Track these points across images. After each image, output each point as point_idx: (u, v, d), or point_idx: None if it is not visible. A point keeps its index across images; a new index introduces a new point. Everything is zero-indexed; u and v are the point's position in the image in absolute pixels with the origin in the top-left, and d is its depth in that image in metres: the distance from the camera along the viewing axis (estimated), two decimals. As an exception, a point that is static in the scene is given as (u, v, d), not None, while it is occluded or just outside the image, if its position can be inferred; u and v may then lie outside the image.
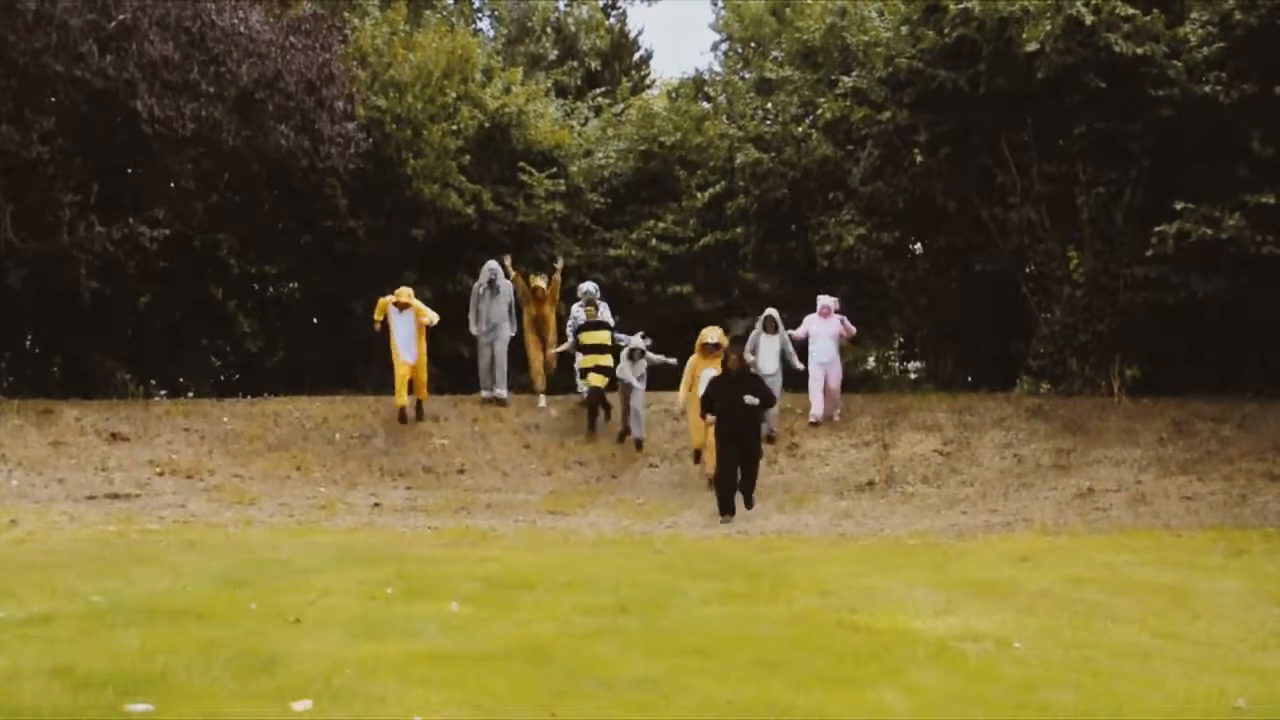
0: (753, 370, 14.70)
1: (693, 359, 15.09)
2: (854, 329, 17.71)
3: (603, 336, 16.81)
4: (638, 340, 16.44)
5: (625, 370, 16.15)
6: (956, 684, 4.81)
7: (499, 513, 13.26)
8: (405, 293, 17.00)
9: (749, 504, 13.11)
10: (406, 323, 16.71)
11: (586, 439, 16.67)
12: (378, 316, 16.88)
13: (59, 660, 4.76)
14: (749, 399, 12.87)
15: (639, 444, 16.21)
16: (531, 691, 4.56)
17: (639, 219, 22.19)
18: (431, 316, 16.79)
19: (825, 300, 17.45)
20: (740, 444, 12.99)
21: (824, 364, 16.96)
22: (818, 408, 16.93)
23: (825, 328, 17.19)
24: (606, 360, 16.54)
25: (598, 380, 16.46)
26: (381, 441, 16.04)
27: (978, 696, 4.59)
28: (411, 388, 16.80)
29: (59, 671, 4.57)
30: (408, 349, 16.65)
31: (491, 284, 17.58)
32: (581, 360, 16.78)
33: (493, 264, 17.83)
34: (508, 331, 17.56)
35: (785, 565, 8.06)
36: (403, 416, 16.57)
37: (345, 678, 4.66)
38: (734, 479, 12.92)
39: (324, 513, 12.75)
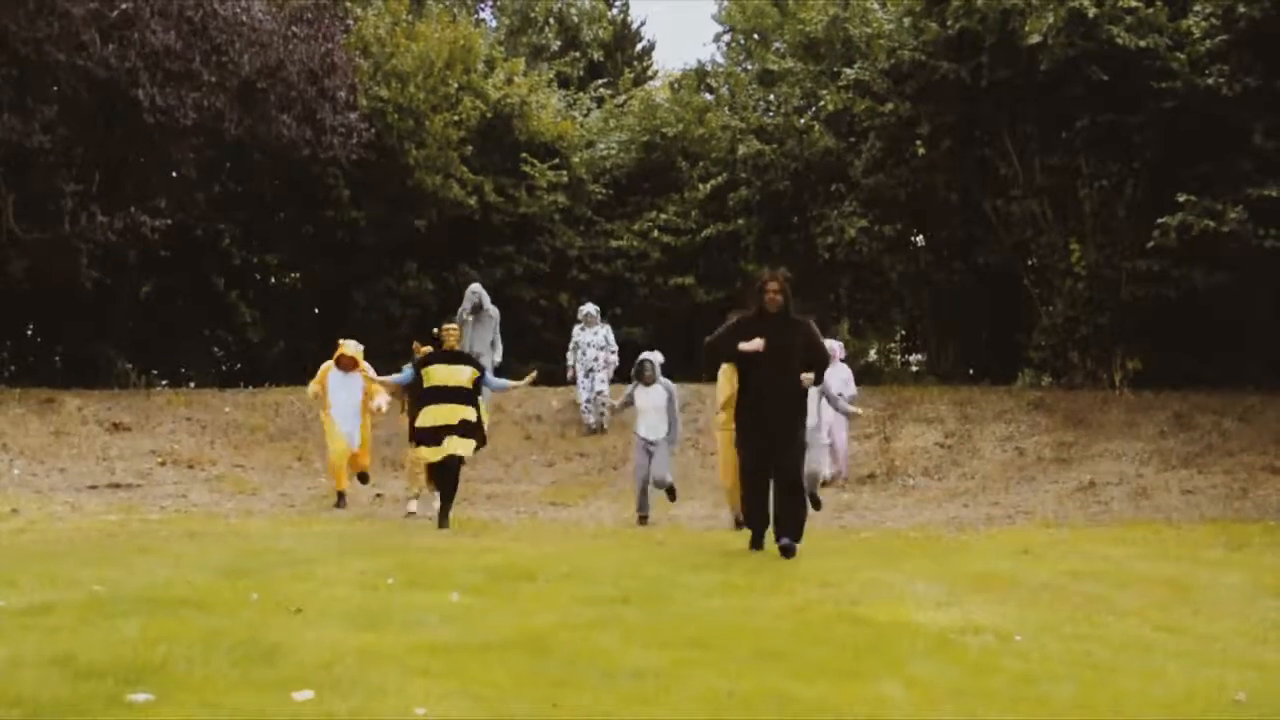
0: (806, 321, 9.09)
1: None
2: (853, 389, 14.95)
3: (459, 376, 10.81)
4: (652, 354, 12.05)
5: (645, 408, 11.76)
6: (957, 676, 4.82)
7: (500, 504, 13.27)
8: (351, 348, 12.72)
9: (788, 550, 8.42)
10: (349, 388, 12.60)
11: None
12: (316, 388, 12.73)
13: (60, 649, 4.76)
14: (806, 378, 8.50)
15: (655, 509, 11.89)
16: (532, 682, 4.56)
17: (641, 210, 22.19)
18: (380, 400, 12.27)
19: (831, 344, 14.15)
20: (775, 442, 8.55)
21: (828, 419, 13.19)
22: (830, 465, 14.30)
23: (830, 376, 13.75)
24: (466, 413, 10.71)
25: (457, 445, 10.65)
26: (382, 432, 16.06)
27: (978, 689, 4.59)
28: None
29: (60, 661, 4.57)
30: (348, 421, 12.57)
31: (476, 310, 16.16)
32: (423, 417, 10.72)
33: (477, 287, 16.57)
34: (492, 362, 15.54)
35: (785, 562, 8.07)
36: (341, 502, 12.55)
37: (346, 668, 4.66)
38: (765, 497, 8.69)
39: (325, 503, 12.75)
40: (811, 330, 8.80)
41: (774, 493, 8.56)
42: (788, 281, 8.66)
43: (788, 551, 8.34)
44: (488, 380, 11.07)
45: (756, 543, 8.78)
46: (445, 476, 10.75)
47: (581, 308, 17.12)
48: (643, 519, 11.69)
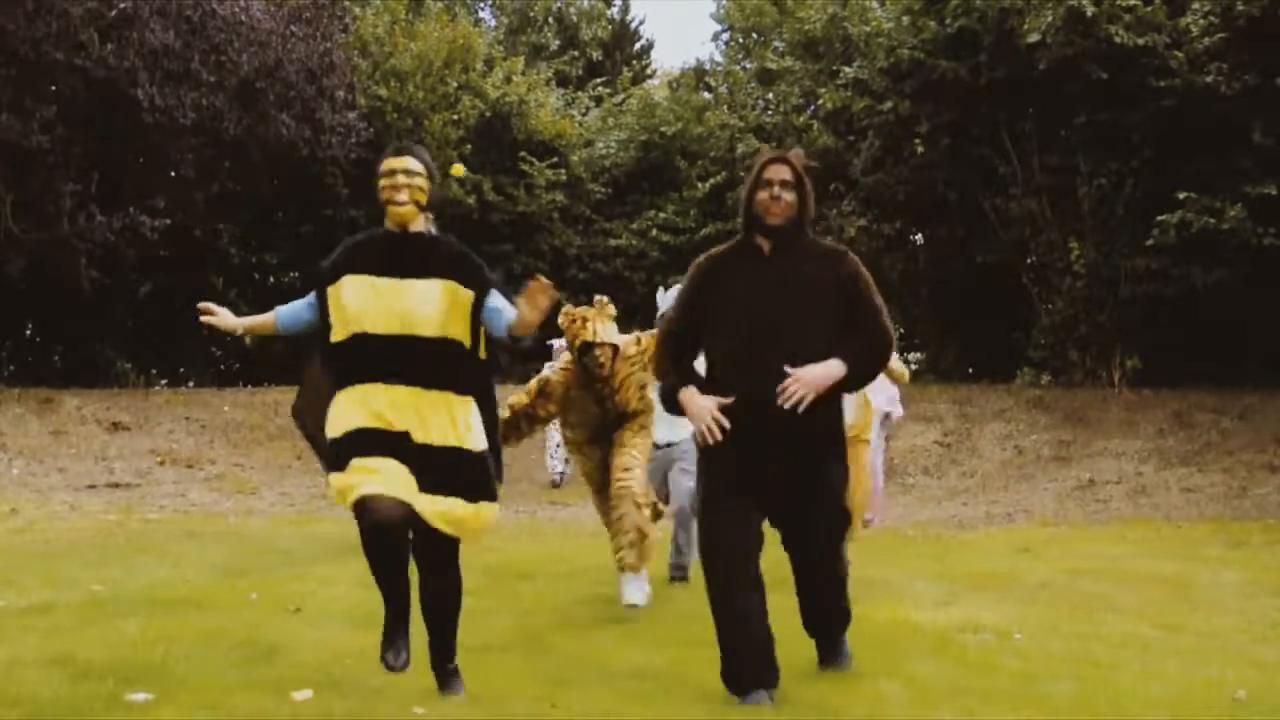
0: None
1: None
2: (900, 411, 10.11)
3: (417, 302, 4.24)
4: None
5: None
6: (957, 675, 4.81)
7: (499, 503, 13.24)
8: None
9: (831, 656, 4.86)
10: None
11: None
12: None
13: (59, 649, 4.76)
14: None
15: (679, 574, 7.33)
16: (531, 682, 4.56)
17: (640, 209, 22.18)
18: None
19: None
20: (778, 489, 4.44)
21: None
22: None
23: (873, 392, 9.19)
24: (441, 407, 4.26)
25: (372, 473, 4.10)
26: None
27: (978, 688, 4.59)
28: None
29: (59, 660, 4.58)
30: None
31: None
32: (336, 416, 4.26)
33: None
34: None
35: (785, 556, 8.08)
36: None
37: (345, 668, 4.66)
38: (750, 596, 4.40)
39: (325, 502, 12.74)
40: (853, 273, 4.48)
41: (795, 582, 4.71)
42: (808, 170, 4.62)
43: (836, 656, 4.86)
44: (493, 316, 4.35)
45: (747, 682, 4.35)
46: (392, 575, 4.41)
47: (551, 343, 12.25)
48: (679, 575, 7.34)
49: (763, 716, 4.22)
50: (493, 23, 30.65)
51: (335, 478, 4.25)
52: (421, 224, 4.38)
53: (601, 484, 6.45)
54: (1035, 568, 8.11)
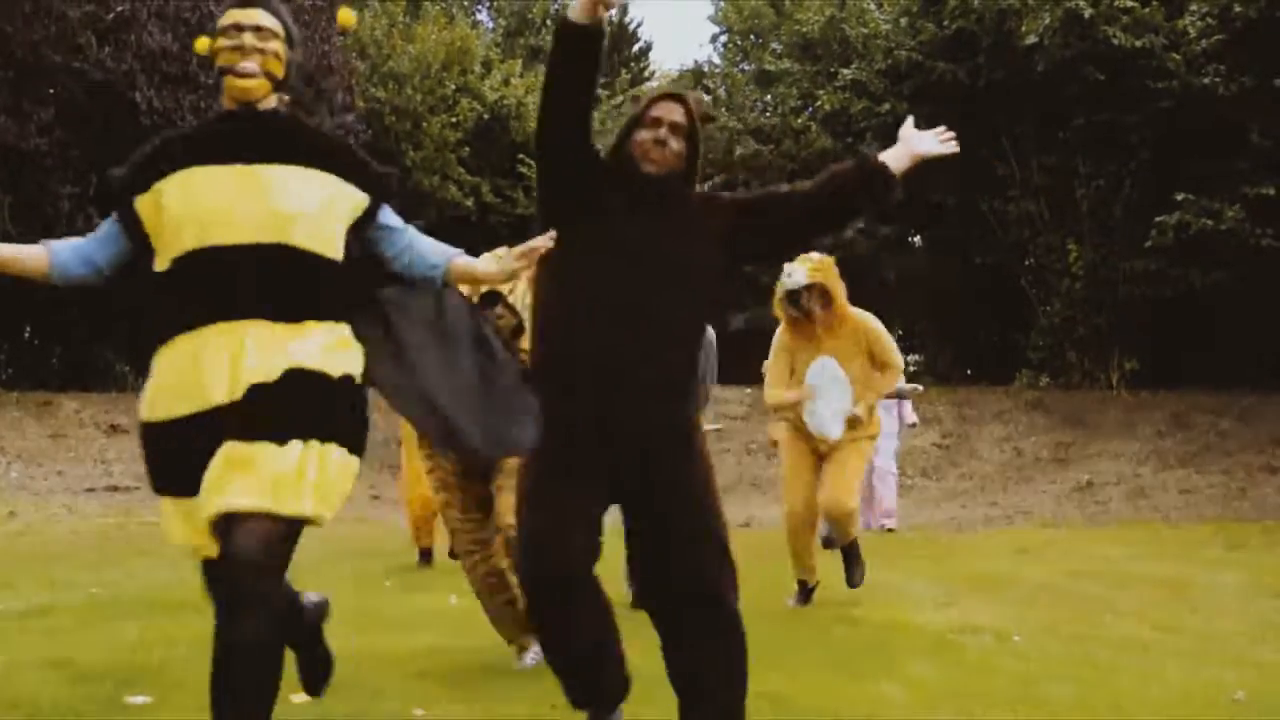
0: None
1: (779, 340, 6.59)
2: (914, 419, 11.21)
3: (264, 214, 2.94)
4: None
5: None
6: (955, 677, 4.81)
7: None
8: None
9: None
10: None
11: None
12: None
13: (58, 652, 4.75)
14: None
15: None
16: (530, 684, 4.56)
17: (638, 211, 22.21)
18: None
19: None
20: (634, 493, 3.63)
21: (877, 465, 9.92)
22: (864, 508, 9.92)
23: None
24: (300, 352, 2.89)
25: (244, 488, 2.78)
26: (379, 433, 16.03)
27: (977, 690, 4.58)
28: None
29: (58, 663, 4.57)
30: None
31: None
32: (156, 388, 3.02)
33: None
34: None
35: (783, 558, 8.07)
36: (426, 559, 8.24)
37: (344, 671, 4.64)
38: (578, 609, 3.65)
39: (323, 505, 12.72)
40: (736, 195, 3.86)
41: (661, 626, 3.67)
42: (706, 117, 3.80)
43: None
44: (392, 239, 3.41)
45: (581, 702, 3.65)
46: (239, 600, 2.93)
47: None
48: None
49: (762, 717, 4.21)
50: (490, 25, 30.66)
51: (165, 512, 3.19)
52: (274, 105, 3.24)
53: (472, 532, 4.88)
54: (1034, 569, 8.10)
